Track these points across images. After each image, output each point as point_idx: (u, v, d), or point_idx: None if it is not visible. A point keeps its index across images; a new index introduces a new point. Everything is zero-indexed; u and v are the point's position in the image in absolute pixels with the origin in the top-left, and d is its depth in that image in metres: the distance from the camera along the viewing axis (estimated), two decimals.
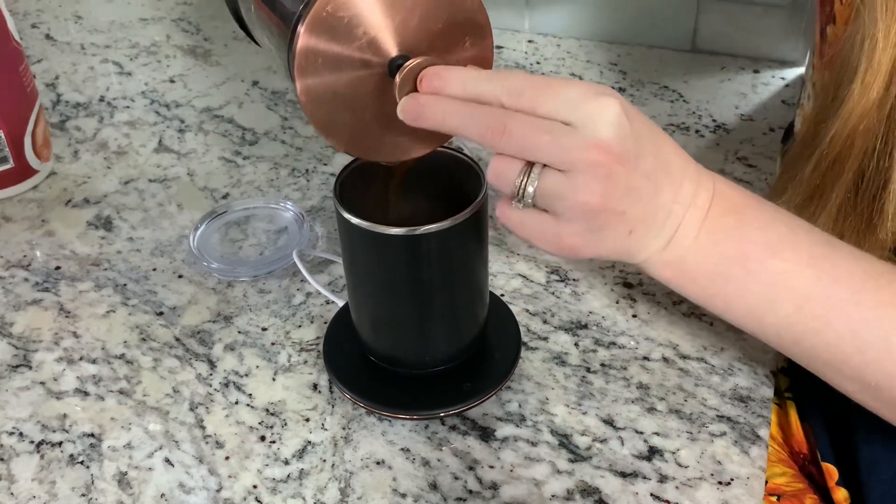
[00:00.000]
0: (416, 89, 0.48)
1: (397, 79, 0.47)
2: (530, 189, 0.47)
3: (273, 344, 0.63)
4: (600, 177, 0.46)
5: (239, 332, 0.64)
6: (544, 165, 0.46)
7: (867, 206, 0.52)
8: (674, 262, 0.51)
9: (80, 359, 0.62)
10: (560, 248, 0.49)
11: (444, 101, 0.47)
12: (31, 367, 0.62)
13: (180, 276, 0.69)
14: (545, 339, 0.62)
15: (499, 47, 0.96)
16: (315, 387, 0.60)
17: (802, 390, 0.65)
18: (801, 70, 0.91)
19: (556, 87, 0.46)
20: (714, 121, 0.84)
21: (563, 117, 0.45)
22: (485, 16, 0.49)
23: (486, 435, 0.56)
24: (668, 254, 0.51)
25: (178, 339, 0.64)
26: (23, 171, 0.77)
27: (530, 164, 0.46)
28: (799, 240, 0.50)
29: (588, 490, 0.53)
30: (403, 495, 0.53)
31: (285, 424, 0.57)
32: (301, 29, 0.46)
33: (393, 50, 0.48)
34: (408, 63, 0.47)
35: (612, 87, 0.89)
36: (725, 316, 0.53)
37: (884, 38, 0.49)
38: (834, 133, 0.52)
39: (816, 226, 0.55)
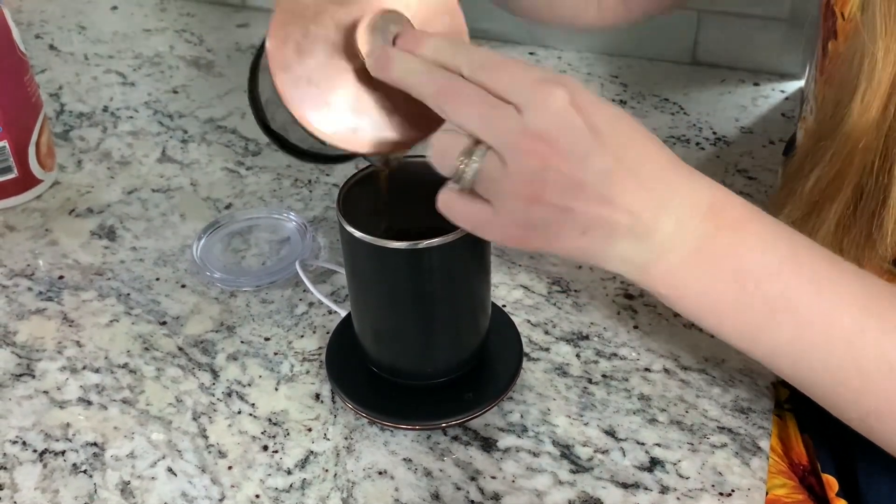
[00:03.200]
0: None
1: (374, 34, 0.48)
2: (470, 171, 0.45)
3: (276, 354, 0.63)
4: (534, 168, 0.44)
5: (241, 341, 0.64)
6: (488, 149, 0.45)
7: (866, 221, 0.52)
8: (663, 277, 0.49)
9: (83, 368, 0.63)
10: (502, 239, 0.48)
11: (410, 60, 0.47)
12: (34, 376, 0.62)
13: (183, 286, 0.69)
14: (547, 349, 0.63)
15: None
16: (317, 397, 0.60)
17: (802, 402, 0.65)
18: (800, 83, 0.91)
19: (510, 67, 0.45)
20: (714, 133, 0.85)
21: (511, 98, 0.45)
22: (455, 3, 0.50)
23: (487, 445, 0.56)
24: (657, 269, 0.48)
25: (180, 349, 0.64)
26: (27, 181, 0.77)
27: (474, 145, 0.45)
28: (801, 261, 0.48)
29: (589, 501, 0.53)
30: None
31: (288, 434, 0.57)
32: (271, 24, 0.47)
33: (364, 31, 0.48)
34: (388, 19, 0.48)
35: (611, 97, 0.89)
36: (717, 333, 0.50)
37: (883, 58, 0.48)
38: (834, 151, 0.52)
39: (816, 240, 0.55)
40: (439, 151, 0.47)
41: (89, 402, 0.60)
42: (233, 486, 0.54)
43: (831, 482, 0.60)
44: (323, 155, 0.56)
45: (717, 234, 0.47)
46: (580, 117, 0.44)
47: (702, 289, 0.48)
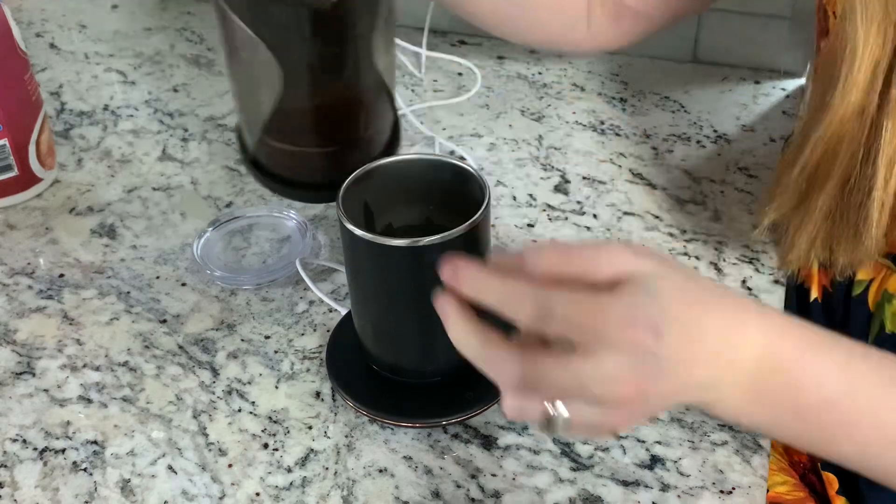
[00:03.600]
0: None
1: None
2: (561, 425, 0.44)
3: (276, 352, 0.63)
4: (625, 406, 0.43)
5: (242, 339, 0.64)
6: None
7: (854, 214, 0.53)
8: (722, 412, 0.48)
9: (84, 366, 0.63)
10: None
11: (472, 336, 0.45)
12: (34, 375, 0.62)
13: (184, 285, 0.69)
14: None
15: (501, 58, 0.96)
16: (318, 395, 0.60)
17: None
18: (801, 81, 0.91)
19: (591, 311, 0.42)
20: (715, 131, 0.84)
21: (588, 342, 0.42)
22: None
23: (488, 443, 0.56)
24: (715, 408, 0.48)
25: (181, 347, 0.64)
26: (27, 179, 0.77)
27: (555, 405, 0.44)
28: (857, 390, 0.47)
29: (590, 499, 0.53)
30: (406, 503, 0.53)
31: (288, 432, 0.57)
32: None
33: None
34: None
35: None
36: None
37: (863, 45, 0.49)
38: (818, 137, 0.52)
39: (805, 233, 0.55)
40: (516, 412, 0.45)
41: (89, 401, 0.60)
42: (233, 484, 0.54)
43: (831, 480, 0.60)
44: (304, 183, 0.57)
45: (773, 377, 0.46)
46: (659, 348, 0.42)
47: (761, 420, 0.48)
